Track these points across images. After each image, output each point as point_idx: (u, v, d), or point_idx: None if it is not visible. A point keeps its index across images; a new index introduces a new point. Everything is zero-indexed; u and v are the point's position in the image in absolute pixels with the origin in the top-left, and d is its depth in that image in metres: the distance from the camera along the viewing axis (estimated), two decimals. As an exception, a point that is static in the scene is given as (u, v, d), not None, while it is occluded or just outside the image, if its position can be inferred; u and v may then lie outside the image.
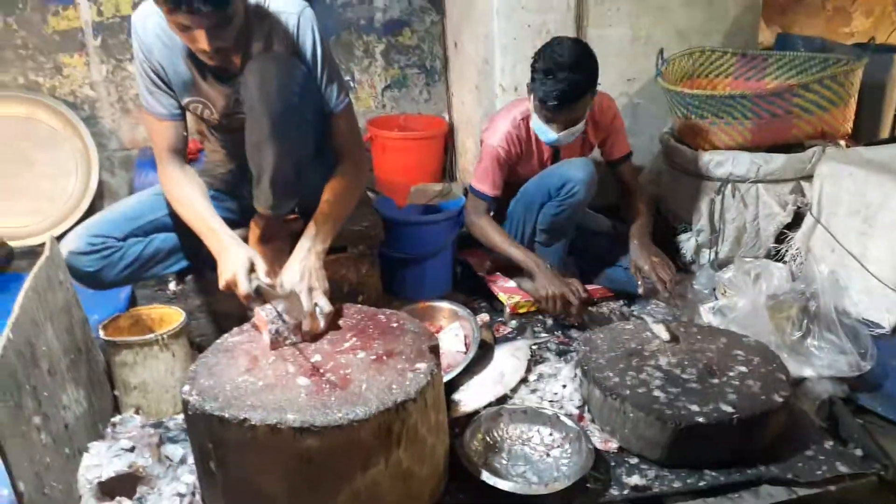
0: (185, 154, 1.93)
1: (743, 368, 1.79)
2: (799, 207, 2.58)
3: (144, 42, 1.77)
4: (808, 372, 1.97)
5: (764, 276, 2.25)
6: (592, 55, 2.19)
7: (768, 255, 2.63)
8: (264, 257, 1.78)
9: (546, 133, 2.26)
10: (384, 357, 1.51)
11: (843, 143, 2.70)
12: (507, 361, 2.02)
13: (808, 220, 2.50)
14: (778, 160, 2.56)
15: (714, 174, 2.63)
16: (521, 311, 2.42)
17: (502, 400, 1.87)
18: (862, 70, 2.57)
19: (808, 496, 1.57)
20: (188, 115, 1.93)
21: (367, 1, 3.52)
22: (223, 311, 2.12)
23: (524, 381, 1.97)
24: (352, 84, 3.63)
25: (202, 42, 1.58)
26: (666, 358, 1.86)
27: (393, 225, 2.46)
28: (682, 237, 2.75)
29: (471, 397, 1.86)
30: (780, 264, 2.46)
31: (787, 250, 2.57)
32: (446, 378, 1.81)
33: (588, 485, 1.59)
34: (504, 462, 1.67)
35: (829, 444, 1.71)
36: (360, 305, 1.77)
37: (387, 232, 2.31)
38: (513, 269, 2.55)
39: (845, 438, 1.74)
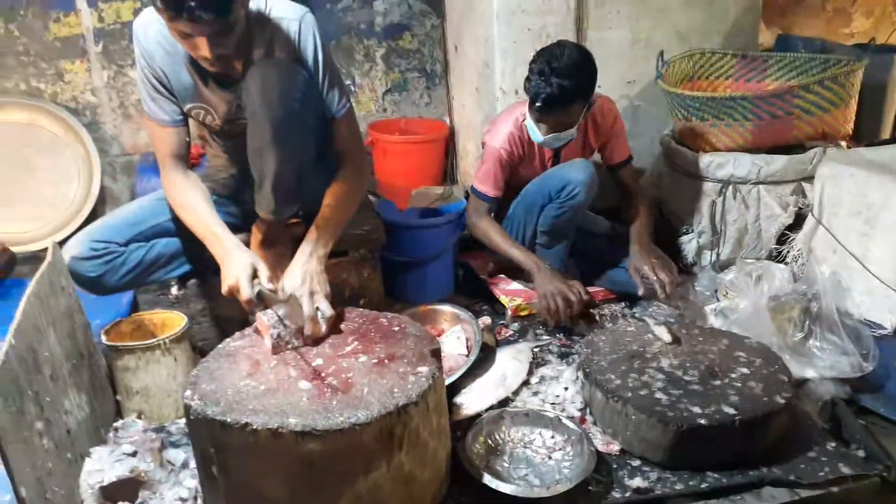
0: (188, 159, 1.94)
1: (745, 370, 1.79)
2: (800, 209, 2.58)
3: (146, 49, 1.78)
4: (810, 373, 1.97)
5: (765, 277, 2.24)
6: (590, 64, 2.18)
7: (770, 257, 2.63)
8: (266, 262, 1.78)
9: (535, 133, 2.27)
10: (386, 361, 1.51)
11: (843, 143, 2.70)
12: (509, 364, 2.02)
13: (809, 222, 2.50)
14: (779, 161, 2.56)
15: (715, 176, 2.63)
16: (522, 313, 2.42)
17: (504, 403, 1.87)
18: (862, 71, 2.57)
19: (810, 497, 1.56)
20: (190, 121, 1.93)
21: (368, 5, 3.53)
22: (225, 316, 2.12)
23: (526, 383, 1.98)
24: (352, 88, 3.64)
25: (204, 49, 1.58)
26: (668, 360, 1.86)
27: (394, 228, 2.46)
28: (684, 239, 2.75)
29: (473, 400, 1.86)
30: (781, 265, 2.46)
31: (788, 251, 2.57)
32: (448, 381, 1.81)
33: (590, 487, 1.59)
34: (506, 465, 1.67)
35: (831, 445, 1.70)
36: (361, 309, 1.77)
37: (388, 235, 2.31)
38: (515, 272, 2.55)
39: (847, 439, 1.74)
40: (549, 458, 1.69)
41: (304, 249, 1.76)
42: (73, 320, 1.71)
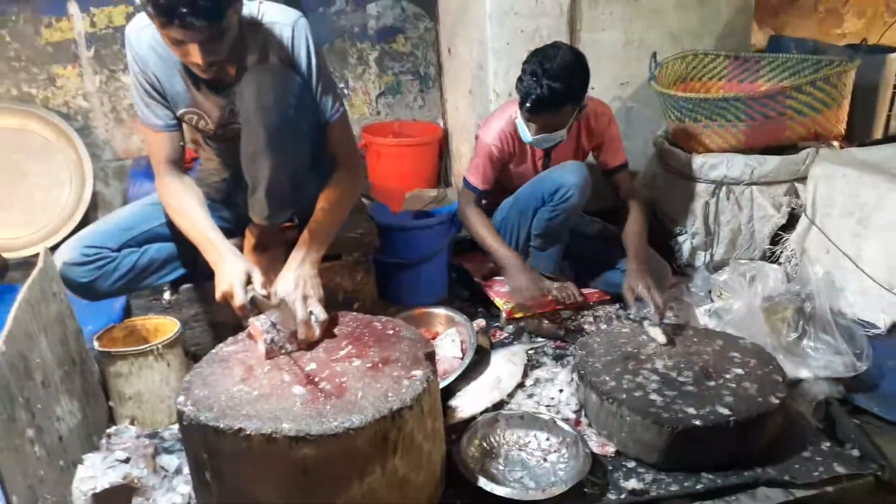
0: (183, 164, 1.93)
1: (739, 370, 1.79)
2: (793, 209, 2.59)
3: (139, 54, 1.77)
4: (804, 373, 1.97)
5: (759, 277, 2.25)
6: (583, 67, 2.18)
7: (763, 257, 2.64)
8: (259, 266, 1.77)
9: (525, 133, 2.27)
10: (380, 364, 1.50)
11: (836, 144, 2.71)
12: (504, 367, 2.02)
13: (802, 222, 2.51)
14: (772, 162, 2.57)
15: (708, 177, 2.64)
16: (517, 315, 2.42)
17: (499, 405, 1.87)
18: (854, 71, 2.58)
19: (805, 497, 1.57)
20: (183, 125, 1.92)
21: (361, 8, 3.53)
22: (219, 321, 2.12)
23: (521, 385, 1.97)
24: (346, 91, 3.64)
25: (196, 56, 1.57)
26: (662, 361, 1.86)
27: (387, 231, 2.45)
28: (677, 240, 2.75)
29: (467, 403, 1.86)
30: (775, 266, 2.46)
31: (781, 252, 2.58)
32: (443, 384, 1.81)
33: (585, 489, 1.59)
34: (501, 468, 1.67)
35: (825, 444, 1.71)
36: (355, 313, 1.76)
37: (381, 238, 2.30)
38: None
39: (842, 439, 1.75)
40: (545, 460, 1.69)
41: (298, 254, 1.75)
42: (65, 326, 1.70)
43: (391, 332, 1.65)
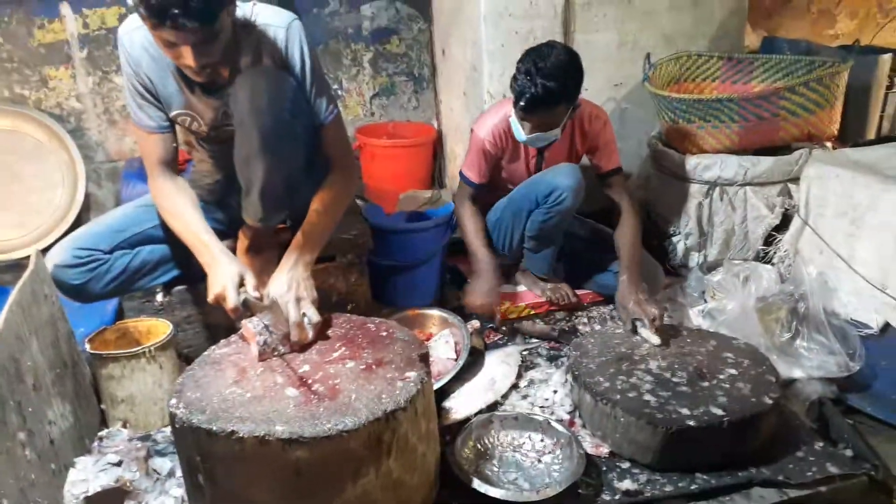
0: (176, 165, 1.92)
1: (733, 371, 1.80)
2: (787, 209, 2.60)
3: (132, 55, 1.76)
4: (797, 373, 1.97)
5: (753, 278, 2.25)
6: (577, 67, 2.17)
7: (757, 258, 2.64)
8: (252, 268, 1.77)
9: (518, 131, 2.27)
10: (373, 366, 1.50)
11: (829, 144, 2.72)
12: (498, 368, 2.01)
13: (795, 222, 2.52)
14: (765, 163, 2.57)
15: (702, 178, 2.64)
16: (511, 317, 2.42)
17: (493, 407, 1.86)
18: (847, 72, 2.59)
19: (798, 497, 1.57)
20: (176, 127, 1.92)
21: (355, 10, 3.53)
22: (211, 323, 2.11)
23: (515, 387, 1.97)
24: (340, 92, 3.63)
25: (188, 58, 1.56)
26: (656, 361, 1.86)
27: (381, 233, 2.45)
28: (671, 241, 2.76)
29: (462, 404, 1.85)
30: (768, 266, 2.47)
31: (775, 252, 2.59)
32: (437, 386, 1.81)
33: (580, 490, 1.59)
34: (495, 469, 1.67)
35: (819, 444, 1.71)
36: (348, 315, 1.76)
37: (375, 240, 2.30)
38: (505, 272, 2.57)
39: (835, 439, 1.75)
40: (539, 461, 1.69)
41: (291, 255, 1.75)
42: (57, 329, 1.69)
43: (385, 333, 1.65)
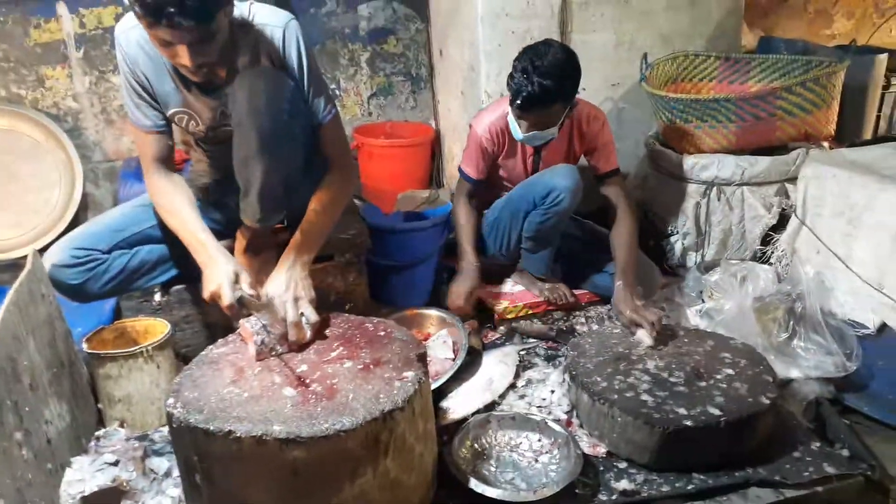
0: (173, 163, 1.92)
1: (730, 371, 1.80)
2: (784, 209, 2.60)
3: (128, 54, 1.76)
4: (794, 373, 1.98)
5: (750, 278, 2.26)
6: (574, 65, 2.17)
7: (754, 258, 2.64)
8: (251, 268, 1.77)
9: (515, 130, 2.27)
10: (371, 366, 1.50)
11: (826, 144, 2.73)
12: (496, 368, 2.01)
13: (793, 222, 2.52)
14: (762, 163, 2.58)
15: (699, 177, 2.64)
16: (509, 316, 2.42)
17: (491, 406, 1.86)
18: (844, 72, 2.59)
19: (795, 497, 1.57)
20: (174, 128, 1.91)
21: (352, 10, 3.53)
22: (209, 322, 2.11)
23: (512, 386, 1.97)
24: (337, 92, 3.63)
25: (184, 58, 1.55)
26: (653, 361, 1.86)
27: (380, 232, 2.45)
28: (669, 240, 2.76)
29: (459, 404, 1.85)
30: (766, 266, 2.47)
31: (772, 252, 2.59)
32: (434, 385, 1.81)
33: (577, 490, 1.59)
34: (492, 469, 1.67)
35: (816, 444, 1.71)
36: (346, 314, 1.76)
37: (373, 240, 2.30)
38: (503, 272, 2.58)
39: (832, 439, 1.75)
40: (536, 461, 1.69)
41: (289, 255, 1.75)
42: (54, 328, 1.69)
43: (383, 333, 1.64)
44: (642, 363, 1.86)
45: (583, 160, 2.48)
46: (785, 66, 2.83)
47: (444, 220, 2.63)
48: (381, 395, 1.38)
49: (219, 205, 2.08)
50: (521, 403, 1.91)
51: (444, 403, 1.86)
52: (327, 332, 1.66)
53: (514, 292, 2.52)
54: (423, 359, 1.54)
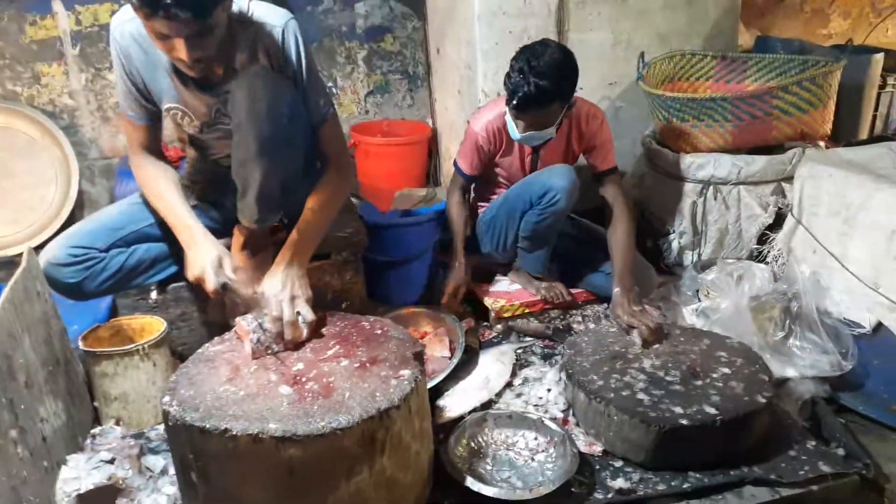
0: (160, 152, 1.93)
1: (726, 370, 1.80)
2: (780, 209, 2.60)
3: (122, 47, 1.75)
4: (790, 372, 1.98)
5: (746, 277, 2.26)
6: (571, 66, 2.16)
7: (750, 257, 2.65)
8: (247, 266, 1.77)
9: (513, 130, 2.27)
10: (368, 364, 1.50)
11: (822, 144, 2.73)
12: (493, 366, 2.02)
13: (789, 222, 2.53)
14: (759, 162, 2.58)
15: (696, 176, 2.65)
16: (505, 315, 2.42)
17: (487, 405, 1.87)
18: (840, 71, 2.60)
19: (791, 496, 1.57)
20: (169, 123, 1.91)
21: (349, 7, 3.52)
22: (206, 320, 2.10)
23: (509, 385, 1.98)
24: (334, 90, 3.63)
25: (181, 52, 1.54)
26: (649, 360, 1.87)
27: (376, 229, 2.45)
28: (665, 239, 2.76)
29: (456, 403, 1.85)
30: (762, 265, 2.47)
31: (768, 251, 2.60)
32: (431, 384, 1.81)
33: (573, 489, 1.59)
34: (489, 467, 1.67)
35: (811, 443, 1.72)
36: (343, 313, 1.76)
37: (370, 237, 2.30)
38: (499, 269, 2.59)
39: (828, 438, 1.75)
40: (532, 459, 1.69)
41: (286, 253, 1.74)
42: (49, 326, 1.68)
43: (379, 331, 1.64)
44: (639, 362, 1.86)
45: (581, 159, 2.48)
46: (781, 65, 2.83)
47: (438, 216, 2.63)
48: (378, 393, 1.38)
49: (216, 204, 2.07)
50: (517, 402, 1.91)
51: (441, 402, 1.86)
52: (324, 330, 1.66)
53: (511, 291, 2.52)
54: (419, 357, 1.54)
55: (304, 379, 1.46)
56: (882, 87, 3.55)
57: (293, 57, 1.76)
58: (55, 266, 1.81)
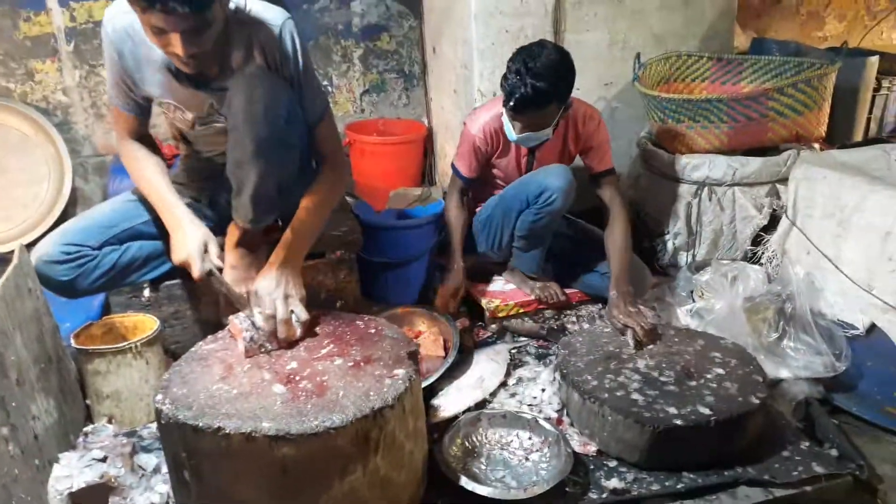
0: (148, 138, 1.94)
1: (720, 370, 1.80)
2: (775, 210, 2.61)
3: (113, 40, 1.73)
4: (784, 373, 1.98)
5: (741, 278, 2.26)
6: (568, 68, 2.16)
7: (745, 258, 2.65)
8: (241, 264, 1.76)
9: (509, 131, 2.27)
10: (362, 363, 1.49)
11: (817, 146, 2.74)
12: (487, 366, 2.01)
13: (783, 223, 2.53)
14: (754, 163, 2.59)
15: (691, 178, 2.65)
16: (500, 315, 2.42)
17: (481, 404, 1.86)
18: (835, 74, 2.60)
19: (784, 497, 1.58)
20: (163, 120, 1.90)
21: (345, 6, 3.51)
22: (199, 319, 2.09)
23: (503, 385, 1.97)
24: (330, 89, 3.62)
25: (176, 47, 1.53)
26: (644, 360, 1.87)
27: (372, 230, 2.44)
28: (660, 240, 2.76)
29: (450, 402, 1.85)
30: (756, 266, 2.48)
31: (763, 253, 2.60)
32: (425, 383, 1.81)
33: (567, 489, 1.59)
34: (483, 467, 1.67)
35: (805, 444, 1.72)
36: (337, 311, 1.75)
37: (365, 237, 2.29)
38: (494, 269, 2.59)
39: (821, 439, 1.76)
40: (527, 459, 1.69)
41: (280, 252, 1.73)
42: (41, 323, 1.67)
43: (373, 330, 1.64)
44: (633, 362, 1.86)
45: (578, 160, 2.48)
46: (777, 67, 2.84)
47: (436, 218, 2.62)
48: (372, 392, 1.38)
49: (210, 202, 2.06)
50: (511, 402, 1.91)
51: (435, 401, 1.85)
52: (318, 329, 1.66)
53: (506, 291, 2.52)
54: (413, 356, 1.54)
55: (297, 378, 1.45)
56: (877, 89, 3.56)
57: (290, 56, 1.75)
58: (47, 263, 1.79)
